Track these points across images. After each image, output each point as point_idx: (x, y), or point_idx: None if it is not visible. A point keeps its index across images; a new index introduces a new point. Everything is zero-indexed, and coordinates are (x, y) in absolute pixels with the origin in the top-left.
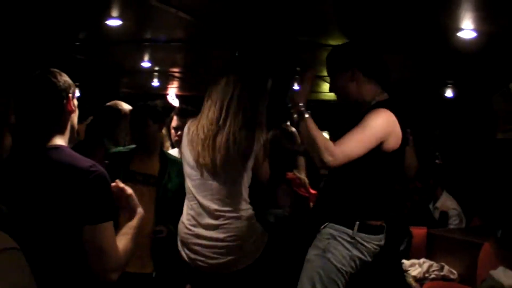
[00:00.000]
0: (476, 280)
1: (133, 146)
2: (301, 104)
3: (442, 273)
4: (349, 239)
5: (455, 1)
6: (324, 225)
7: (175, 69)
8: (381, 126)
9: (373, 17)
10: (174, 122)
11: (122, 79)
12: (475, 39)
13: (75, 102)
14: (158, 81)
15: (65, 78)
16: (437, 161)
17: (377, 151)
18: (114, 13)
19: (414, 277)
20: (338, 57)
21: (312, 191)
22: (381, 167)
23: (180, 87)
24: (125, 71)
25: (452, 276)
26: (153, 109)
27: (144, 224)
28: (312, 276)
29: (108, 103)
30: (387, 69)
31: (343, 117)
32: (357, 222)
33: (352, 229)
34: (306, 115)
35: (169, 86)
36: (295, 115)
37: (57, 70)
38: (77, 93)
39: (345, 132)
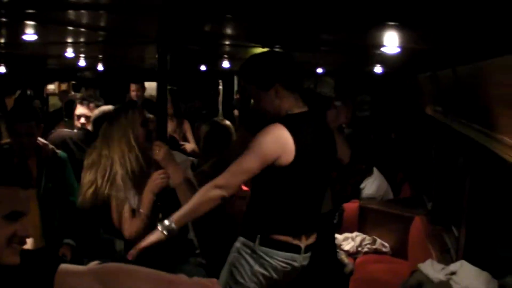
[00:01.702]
0: (407, 253)
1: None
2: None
3: (374, 247)
4: (250, 252)
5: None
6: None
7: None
8: (267, 149)
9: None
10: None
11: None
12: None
13: None
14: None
15: None
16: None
17: (271, 168)
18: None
19: (347, 252)
20: (259, 76)
21: (245, 188)
22: (279, 182)
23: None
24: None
25: (384, 249)
26: (36, 114)
27: (31, 228)
28: None
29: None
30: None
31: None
32: (258, 235)
33: (254, 242)
34: (173, 226)
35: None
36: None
37: None
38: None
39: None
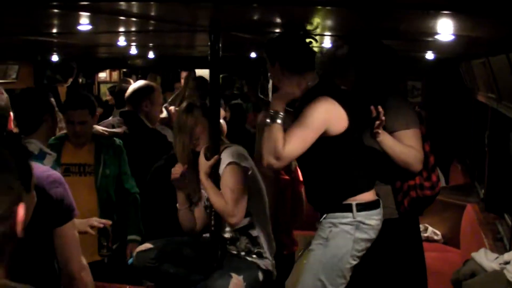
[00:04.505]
0: (459, 241)
1: (63, 133)
2: (278, 110)
3: (426, 235)
4: (350, 222)
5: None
6: (323, 217)
7: None
8: (320, 118)
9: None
10: None
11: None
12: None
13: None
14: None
15: (4, 96)
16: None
17: (327, 140)
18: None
19: None
20: (266, 51)
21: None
22: (339, 149)
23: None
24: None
25: (436, 237)
26: (90, 102)
27: (88, 215)
28: (315, 265)
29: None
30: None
31: None
32: (354, 203)
33: (349, 211)
34: (278, 121)
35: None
36: (268, 118)
37: None
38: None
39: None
